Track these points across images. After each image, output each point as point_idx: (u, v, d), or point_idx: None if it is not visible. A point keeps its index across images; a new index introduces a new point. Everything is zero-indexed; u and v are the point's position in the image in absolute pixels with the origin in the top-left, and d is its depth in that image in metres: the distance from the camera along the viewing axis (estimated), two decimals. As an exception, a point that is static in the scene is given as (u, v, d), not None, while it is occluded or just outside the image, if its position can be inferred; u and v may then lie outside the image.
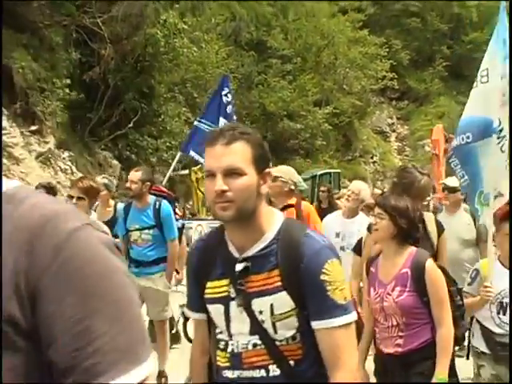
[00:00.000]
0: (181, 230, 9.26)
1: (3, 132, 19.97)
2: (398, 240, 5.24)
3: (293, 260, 3.05)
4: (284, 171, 8.19)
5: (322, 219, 9.89)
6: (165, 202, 8.57)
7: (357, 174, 32.73)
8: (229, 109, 11.75)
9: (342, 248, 8.29)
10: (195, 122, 11.66)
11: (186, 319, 6.34)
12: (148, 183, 8.50)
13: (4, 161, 19.55)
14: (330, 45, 39.22)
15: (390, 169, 42.37)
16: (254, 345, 3.15)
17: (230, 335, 3.18)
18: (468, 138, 6.61)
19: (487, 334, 5.58)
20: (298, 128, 34.65)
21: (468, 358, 6.10)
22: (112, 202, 10.18)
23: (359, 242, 6.94)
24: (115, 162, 24.46)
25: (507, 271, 5.49)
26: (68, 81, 21.95)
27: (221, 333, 3.24)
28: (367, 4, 46.02)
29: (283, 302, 3.05)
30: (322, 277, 3.00)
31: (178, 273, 9.11)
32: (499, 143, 6.98)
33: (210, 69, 28.50)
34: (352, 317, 3.10)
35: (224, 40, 31.36)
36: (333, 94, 38.01)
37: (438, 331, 5.06)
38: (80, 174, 20.78)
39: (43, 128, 21.53)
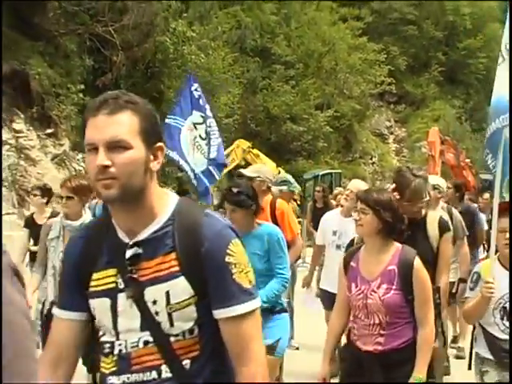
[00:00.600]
0: None
1: (21, 135, 20.02)
2: (383, 235, 4.94)
3: (192, 242, 2.64)
4: (260, 170, 8.16)
5: (317, 218, 10.10)
6: None
7: (357, 175, 32.61)
8: (201, 101, 11.42)
9: (339, 246, 8.20)
10: (166, 120, 11.17)
11: None
12: None
13: (21, 162, 19.58)
14: (331, 51, 39.18)
15: (388, 169, 42.35)
16: (146, 342, 2.67)
17: (117, 334, 2.71)
18: (503, 120, 5.70)
19: (491, 339, 5.20)
20: (301, 130, 34.60)
21: (470, 368, 5.74)
22: None
23: (352, 241, 6.58)
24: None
25: (507, 273, 5.09)
26: (82, 86, 21.95)
27: (104, 334, 2.76)
28: (366, 13, 45.92)
29: (181, 288, 2.62)
30: (227, 259, 2.62)
31: None
32: None
33: (217, 74, 28.43)
34: (257, 302, 2.74)
35: (230, 47, 31.33)
36: (333, 98, 37.97)
37: (420, 331, 4.83)
38: (93, 175, 20.77)
39: (58, 131, 21.54)
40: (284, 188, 11.02)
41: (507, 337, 5.06)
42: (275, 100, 33.79)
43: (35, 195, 10.26)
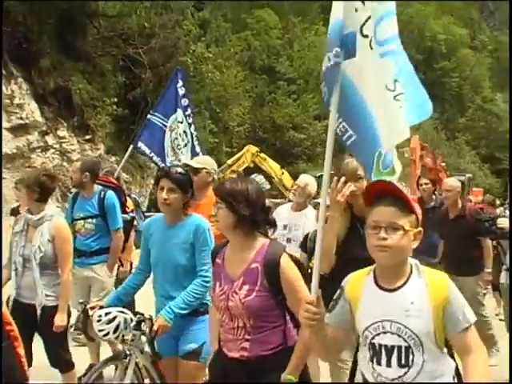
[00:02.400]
0: (131, 222, 7.81)
1: (64, 140, 20.13)
2: (244, 229, 3.74)
3: None
4: (206, 162, 6.79)
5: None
6: (110, 192, 7.07)
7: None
8: (184, 101, 9.75)
9: (289, 240, 7.09)
10: (148, 116, 9.65)
11: (87, 315, 4.72)
12: (87, 173, 6.95)
13: (64, 163, 19.68)
14: (328, 70, 39.17)
15: (376, 171, 42.28)
16: None
17: None
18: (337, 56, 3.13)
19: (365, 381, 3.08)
20: (302, 138, 34.66)
21: None
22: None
23: (305, 238, 5.60)
24: (152, 164, 24.49)
25: (387, 294, 2.93)
26: (115, 99, 22.07)
27: None
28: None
29: None
30: None
31: (122, 265, 7.54)
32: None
33: (230, 89, 28.54)
34: None
35: (241, 66, 31.40)
36: (330, 111, 37.94)
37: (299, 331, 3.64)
38: (124, 175, 20.94)
39: (95, 137, 21.65)
40: None
41: None
42: (280, 111, 33.83)
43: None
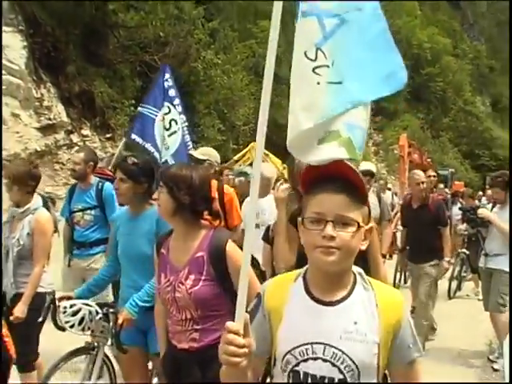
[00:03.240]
0: None
1: (87, 139, 20.16)
2: (184, 217, 3.34)
3: None
4: (210, 154, 6.38)
5: None
6: (107, 184, 6.51)
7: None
8: (171, 92, 9.29)
9: (257, 225, 6.07)
10: (139, 108, 9.28)
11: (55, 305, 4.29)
12: (91, 163, 6.63)
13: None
14: (325, 75, 39.13)
15: (368, 166, 42.27)
16: None
17: None
18: None
19: None
20: (301, 136, 34.67)
21: None
22: None
23: (267, 229, 5.00)
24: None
25: (324, 308, 2.02)
26: (133, 101, 22.02)
27: None
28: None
29: None
30: None
31: None
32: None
33: (236, 92, 28.46)
34: None
35: (246, 71, 31.29)
36: (326, 111, 37.89)
37: None
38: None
39: (115, 136, 21.64)
40: (242, 179, 9.44)
41: None
42: (281, 112, 33.52)
43: None
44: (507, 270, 7.24)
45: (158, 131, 8.87)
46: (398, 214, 10.78)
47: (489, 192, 8.20)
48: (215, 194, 5.86)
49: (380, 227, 7.72)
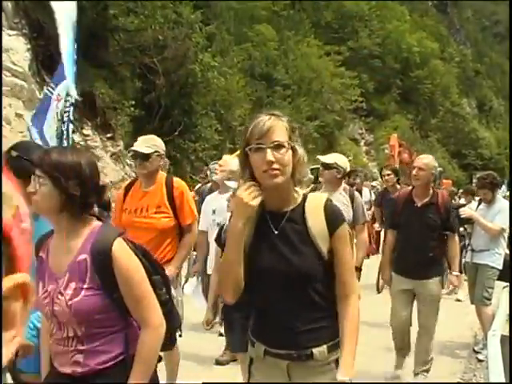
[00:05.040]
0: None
1: (88, 138, 20.13)
2: (71, 212, 2.53)
3: None
4: (155, 144, 5.31)
5: None
6: None
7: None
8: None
9: (219, 224, 5.67)
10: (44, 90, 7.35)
11: None
12: None
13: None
14: (318, 77, 39.06)
15: (360, 166, 42.29)
16: None
17: None
18: None
19: None
20: (295, 136, 34.64)
21: None
22: None
23: (220, 230, 4.55)
24: (165, 159, 24.52)
25: None
26: (133, 102, 22.05)
27: None
28: (344, 49, 45.83)
29: None
30: None
31: None
32: None
33: (233, 94, 28.48)
34: None
35: (243, 73, 31.33)
36: (320, 112, 37.85)
37: (141, 334, 2.51)
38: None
39: (115, 135, 21.63)
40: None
41: None
42: (276, 113, 33.74)
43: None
44: (492, 264, 7.32)
45: (51, 113, 6.96)
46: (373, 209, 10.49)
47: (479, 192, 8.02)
48: (163, 188, 5.06)
49: (353, 232, 6.22)
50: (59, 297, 2.50)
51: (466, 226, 8.56)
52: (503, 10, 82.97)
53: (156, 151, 5.14)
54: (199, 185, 10.10)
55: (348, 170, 6.49)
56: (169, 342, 2.80)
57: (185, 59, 24.68)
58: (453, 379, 6.64)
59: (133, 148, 5.38)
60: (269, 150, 2.46)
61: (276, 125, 2.52)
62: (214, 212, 6.37)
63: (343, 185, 6.53)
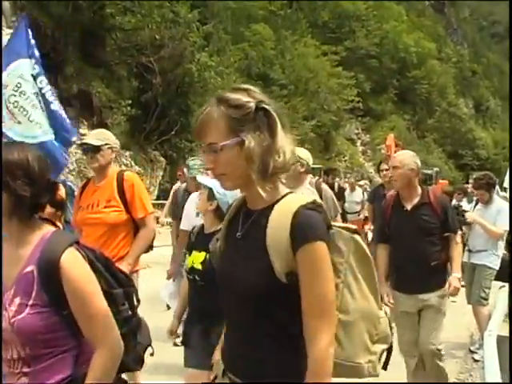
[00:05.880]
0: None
1: (84, 137, 20.10)
2: (20, 216, 2.19)
3: None
4: (106, 136, 4.98)
5: None
6: None
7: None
8: (36, 52, 6.32)
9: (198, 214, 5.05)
10: None
11: None
12: None
13: (84, 157, 19.68)
14: (315, 77, 39.10)
15: (356, 165, 42.44)
16: None
17: None
18: None
19: None
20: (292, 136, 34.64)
21: None
22: None
23: (189, 235, 4.30)
24: (162, 158, 24.57)
25: None
26: (129, 101, 22.03)
27: None
28: (341, 49, 45.90)
29: None
30: None
31: None
32: None
33: (230, 94, 28.56)
34: None
35: (239, 73, 31.34)
36: (316, 112, 37.90)
37: (94, 356, 2.13)
38: (137, 167, 21.04)
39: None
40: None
41: None
42: (272, 113, 33.74)
43: None
44: (489, 265, 7.33)
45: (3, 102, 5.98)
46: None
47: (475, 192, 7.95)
48: (114, 182, 4.81)
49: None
50: (4, 313, 2.14)
51: (463, 227, 8.58)
52: (500, 11, 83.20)
53: (107, 144, 4.83)
54: (176, 184, 9.46)
55: (311, 163, 5.65)
56: (135, 363, 2.44)
57: (182, 58, 24.67)
58: (448, 379, 6.63)
59: (83, 141, 5.04)
60: (206, 154, 2.06)
61: (209, 120, 2.03)
62: (197, 214, 5.27)
63: (308, 179, 5.82)
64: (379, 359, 2.26)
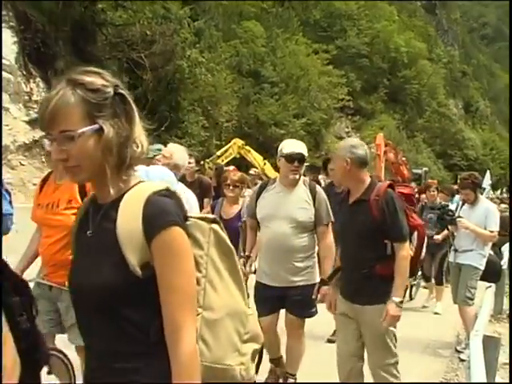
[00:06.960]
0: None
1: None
2: None
3: None
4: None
5: None
6: None
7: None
8: None
9: None
10: None
11: None
12: None
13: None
14: (306, 75, 39.08)
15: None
16: None
17: None
18: None
19: None
20: (282, 133, 34.40)
21: None
22: None
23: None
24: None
25: None
26: (120, 97, 22.04)
27: None
28: (332, 48, 45.92)
29: None
30: None
31: None
32: None
33: (220, 90, 28.46)
34: None
35: (230, 70, 31.29)
36: (307, 110, 37.89)
37: None
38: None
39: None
40: None
41: None
42: (263, 110, 33.69)
43: None
44: (475, 265, 7.35)
45: None
46: None
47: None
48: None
49: (317, 236, 5.11)
50: None
51: (449, 226, 8.61)
52: (491, 12, 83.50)
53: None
54: None
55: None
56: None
57: (172, 55, 24.62)
58: (435, 379, 6.60)
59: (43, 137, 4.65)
60: (55, 144, 1.80)
61: (65, 106, 1.78)
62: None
63: (302, 177, 5.23)
64: (252, 361, 2.08)
